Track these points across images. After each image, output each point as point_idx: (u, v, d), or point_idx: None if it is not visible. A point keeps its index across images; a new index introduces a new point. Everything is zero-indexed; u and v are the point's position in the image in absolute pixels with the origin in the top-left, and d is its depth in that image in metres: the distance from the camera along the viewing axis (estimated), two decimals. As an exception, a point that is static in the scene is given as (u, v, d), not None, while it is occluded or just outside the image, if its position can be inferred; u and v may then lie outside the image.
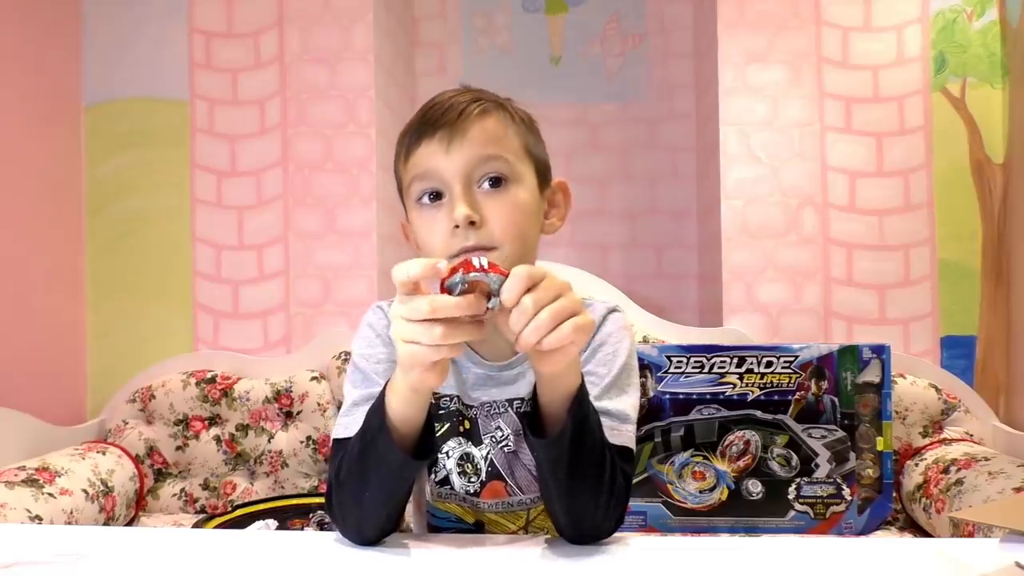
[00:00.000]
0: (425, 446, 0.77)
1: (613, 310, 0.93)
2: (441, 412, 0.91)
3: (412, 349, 0.67)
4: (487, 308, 0.66)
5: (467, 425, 0.91)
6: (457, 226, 0.81)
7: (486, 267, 0.67)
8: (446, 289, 0.67)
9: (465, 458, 0.91)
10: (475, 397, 0.91)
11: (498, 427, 0.90)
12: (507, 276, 0.66)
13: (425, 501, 0.94)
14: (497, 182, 0.84)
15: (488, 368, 0.91)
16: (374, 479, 0.76)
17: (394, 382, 0.74)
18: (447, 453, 0.91)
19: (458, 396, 0.92)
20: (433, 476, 0.92)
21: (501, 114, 0.88)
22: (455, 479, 0.91)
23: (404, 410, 0.74)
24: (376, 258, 2.07)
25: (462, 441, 0.91)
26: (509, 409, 0.90)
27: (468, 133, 0.83)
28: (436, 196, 0.84)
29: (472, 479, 0.90)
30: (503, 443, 0.90)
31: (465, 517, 0.92)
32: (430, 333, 0.66)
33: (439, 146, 0.83)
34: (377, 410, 0.76)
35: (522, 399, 0.90)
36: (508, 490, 0.90)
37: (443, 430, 0.91)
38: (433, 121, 0.84)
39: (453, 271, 0.67)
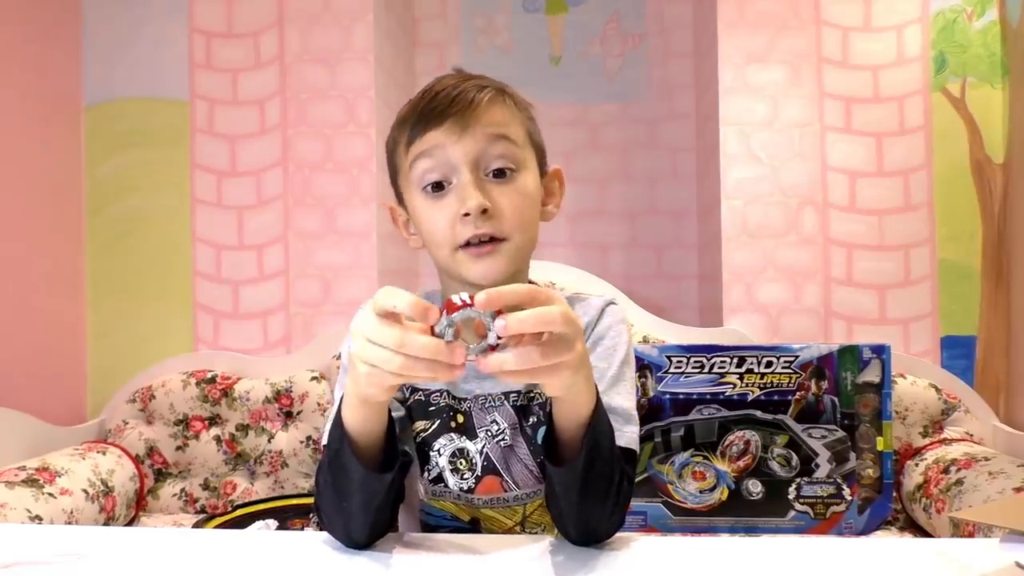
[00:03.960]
0: (389, 458, 0.75)
1: (610, 303, 0.92)
2: (431, 409, 0.89)
3: (369, 370, 0.64)
4: (466, 351, 0.61)
5: (460, 419, 0.89)
6: (467, 214, 0.80)
7: (469, 302, 0.61)
8: (435, 333, 0.62)
9: (458, 454, 0.88)
10: (467, 390, 0.89)
11: (494, 421, 0.88)
12: (500, 314, 0.61)
13: (419, 500, 0.92)
14: (505, 171, 0.84)
15: None
16: (347, 490, 0.75)
17: (346, 393, 0.71)
18: (439, 451, 0.89)
19: (447, 391, 0.89)
20: (426, 475, 0.90)
21: (507, 101, 0.87)
22: (448, 476, 0.88)
23: (357, 420, 0.72)
24: (376, 258, 2.07)
25: (455, 437, 0.89)
26: (505, 402, 0.89)
27: (478, 122, 0.82)
28: (438, 186, 0.83)
29: (466, 475, 0.88)
30: (499, 437, 0.88)
31: (460, 515, 0.90)
32: (391, 362, 0.61)
33: (448, 134, 0.82)
34: (337, 423, 0.73)
35: (519, 392, 0.89)
36: (504, 486, 0.88)
37: (433, 427, 0.89)
38: (441, 110, 0.83)
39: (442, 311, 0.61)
